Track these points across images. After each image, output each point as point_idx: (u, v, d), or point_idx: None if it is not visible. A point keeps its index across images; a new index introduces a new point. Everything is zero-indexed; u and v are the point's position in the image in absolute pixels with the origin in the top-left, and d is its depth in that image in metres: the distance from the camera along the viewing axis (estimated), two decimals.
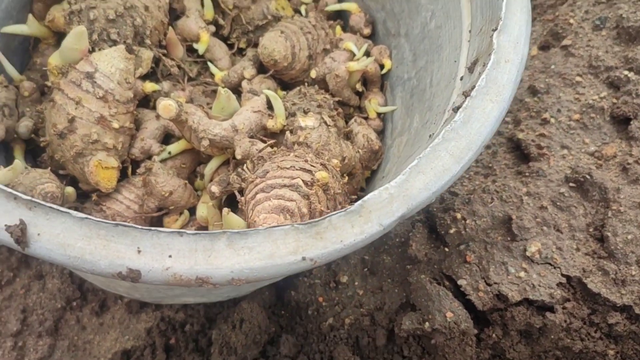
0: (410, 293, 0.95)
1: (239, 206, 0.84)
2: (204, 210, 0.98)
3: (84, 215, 0.53)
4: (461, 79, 0.77)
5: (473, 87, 0.66)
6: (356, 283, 1.05)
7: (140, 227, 0.54)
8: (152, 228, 0.54)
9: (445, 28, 0.89)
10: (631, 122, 1.01)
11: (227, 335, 0.92)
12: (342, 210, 0.58)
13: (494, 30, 0.71)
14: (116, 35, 0.98)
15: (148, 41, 1.03)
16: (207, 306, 1.01)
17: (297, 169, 0.81)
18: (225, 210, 0.85)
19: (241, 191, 0.86)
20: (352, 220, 0.58)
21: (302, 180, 0.79)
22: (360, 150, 1.01)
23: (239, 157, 0.92)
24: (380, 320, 0.97)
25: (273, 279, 0.55)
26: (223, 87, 1.07)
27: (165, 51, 1.08)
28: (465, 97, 0.66)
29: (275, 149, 0.91)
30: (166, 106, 0.90)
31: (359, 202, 0.58)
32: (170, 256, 0.53)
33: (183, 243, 0.54)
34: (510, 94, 0.68)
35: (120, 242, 0.53)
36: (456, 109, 0.66)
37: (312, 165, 0.83)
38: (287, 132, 0.91)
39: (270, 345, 0.99)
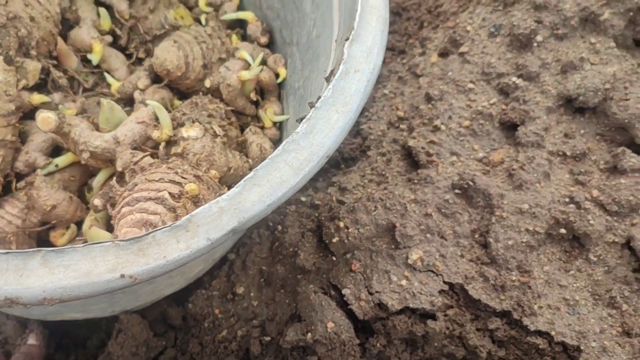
0: (297, 304, 0.95)
1: (110, 222, 0.82)
2: (88, 223, 0.96)
3: None
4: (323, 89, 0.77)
5: (319, 98, 0.66)
6: (252, 294, 1.04)
7: None
8: None
9: (322, 37, 0.89)
10: (519, 128, 1.02)
11: (108, 346, 0.90)
12: (168, 225, 0.57)
13: (346, 40, 0.71)
14: None
15: (34, 52, 1.01)
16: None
17: (165, 182, 0.80)
18: (86, 225, 0.83)
19: (114, 205, 0.85)
20: (177, 235, 0.57)
21: (169, 193, 0.78)
22: (250, 160, 1.00)
23: (119, 169, 0.91)
24: (271, 332, 0.96)
25: (92, 297, 0.54)
26: (112, 100, 1.06)
27: (55, 62, 1.06)
28: (311, 108, 0.66)
29: (156, 160, 0.90)
30: (44, 118, 0.89)
31: (187, 216, 0.58)
32: None
33: None
34: (358, 104, 0.68)
35: None
36: (300, 120, 0.65)
37: (183, 177, 0.82)
38: (162, 144, 0.90)
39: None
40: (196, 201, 0.80)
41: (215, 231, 0.58)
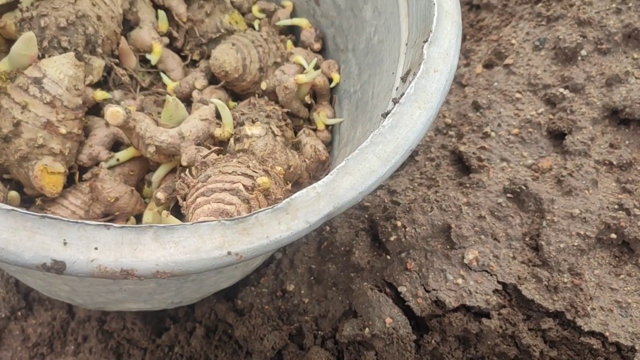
0: (352, 300, 0.97)
1: (181, 211, 0.85)
2: (149, 217, 0.98)
3: (10, 207, 0.54)
4: (397, 89, 0.80)
5: (402, 95, 0.69)
6: (302, 291, 1.06)
7: (67, 219, 0.55)
8: (79, 220, 0.55)
9: (386, 42, 0.93)
10: (566, 137, 1.05)
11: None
12: (270, 207, 0.60)
13: (424, 42, 0.74)
14: (67, 42, 0.99)
15: (99, 50, 1.04)
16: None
17: (238, 174, 0.83)
18: (164, 212, 0.86)
19: (185, 197, 0.88)
20: (279, 217, 0.60)
21: (243, 185, 0.81)
22: (307, 160, 1.03)
23: (184, 163, 0.94)
24: (324, 327, 0.98)
25: (201, 274, 0.56)
26: (163, 100, 1.09)
27: (117, 60, 1.10)
28: (395, 104, 0.69)
29: (220, 155, 0.93)
30: (114, 113, 0.92)
31: (287, 199, 0.60)
32: (96, 248, 0.54)
33: (109, 236, 0.55)
34: (438, 102, 0.71)
35: (47, 234, 0.54)
36: (385, 115, 0.69)
37: (254, 171, 0.84)
38: (232, 139, 0.93)
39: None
40: (267, 194, 0.83)
41: (313, 215, 0.60)
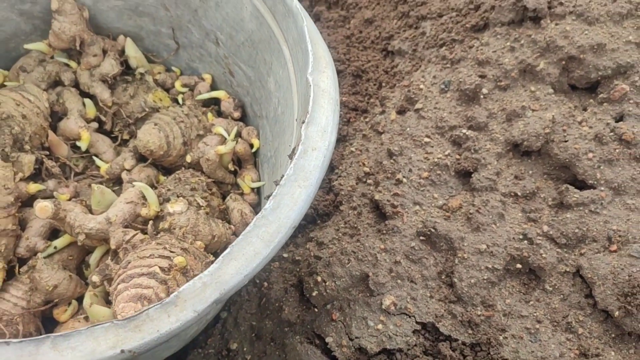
0: (287, 354, 1.03)
1: (110, 297, 0.91)
2: (88, 299, 1.05)
3: None
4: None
5: (282, 176, 0.77)
6: (245, 349, 1.12)
7: None
8: None
9: (286, 114, 1.00)
10: (472, 175, 1.13)
11: None
12: (159, 302, 0.66)
13: (302, 123, 0.81)
14: None
15: (27, 146, 1.11)
16: None
17: (155, 257, 0.89)
18: (87, 303, 0.92)
19: (110, 283, 0.94)
20: (168, 310, 0.66)
21: (160, 267, 0.87)
22: (233, 227, 1.10)
23: (113, 247, 1.00)
24: None
25: None
26: (102, 181, 1.16)
27: (47, 152, 1.17)
28: (276, 185, 0.76)
29: (146, 236, 1.00)
30: (42, 207, 0.99)
31: (175, 293, 0.67)
32: None
33: (10, 351, 0.61)
34: (317, 178, 0.78)
35: None
36: (267, 197, 0.75)
37: (171, 251, 0.91)
38: (150, 222, 1.00)
39: None
40: (185, 272, 0.90)
41: (200, 304, 0.67)
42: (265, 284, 1.18)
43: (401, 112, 1.29)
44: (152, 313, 0.66)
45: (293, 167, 0.77)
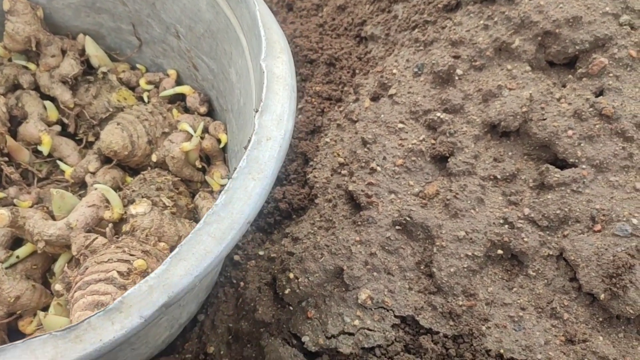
0: (265, 356, 0.99)
1: (68, 305, 0.87)
2: (52, 309, 1.00)
3: None
4: None
5: (235, 169, 0.72)
6: (222, 352, 1.08)
7: None
8: None
9: (247, 105, 0.96)
10: (448, 160, 1.08)
11: None
12: (102, 310, 0.62)
13: (256, 112, 0.77)
14: None
15: None
16: None
17: (114, 261, 0.85)
18: (41, 313, 0.88)
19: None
20: (112, 317, 0.62)
21: (118, 272, 0.83)
22: None
23: (74, 253, 0.96)
24: None
25: None
26: (67, 185, 1.12)
27: (7, 159, 1.12)
28: (229, 179, 0.71)
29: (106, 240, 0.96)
30: None
31: (119, 298, 0.62)
32: None
33: None
34: (273, 170, 0.73)
35: None
36: (219, 192, 0.71)
37: (130, 255, 0.87)
38: (109, 225, 0.95)
39: None
40: (145, 275, 0.85)
41: (147, 309, 0.62)
42: (242, 283, 1.13)
43: (375, 98, 1.24)
44: (94, 321, 0.61)
45: (246, 158, 0.73)
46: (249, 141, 0.79)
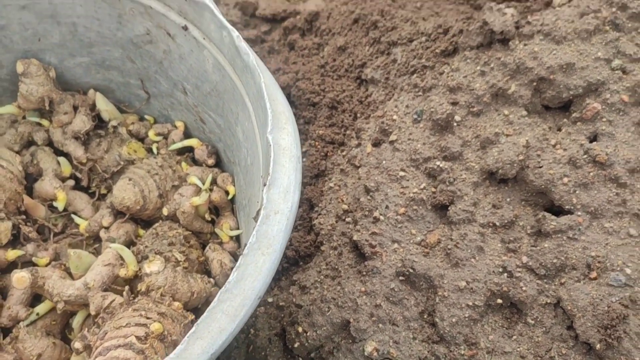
0: None
1: None
2: None
3: None
4: None
5: (245, 245, 0.76)
6: None
7: None
8: None
9: (254, 166, 1.00)
10: (449, 208, 1.12)
11: None
12: None
13: (264, 186, 0.81)
14: None
15: (2, 214, 1.12)
16: None
17: (132, 326, 0.89)
18: None
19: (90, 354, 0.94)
20: None
21: (136, 337, 0.87)
22: (212, 280, 1.10)
23: (92, 312, 1.00)
24: None
25: None
26: (82, 239, 1.16)
27: (24, 216, 1.17)
28: (240, 256, 0.76)
29: (124, 299, 1.00)
30: (19, 278, 0.99)
31: None
32: None
33: None
34: (281, 243, 0.78)
35: None
36: (230, 269, 0.75)
37: (147, 318, 0.91)
38: (126, 289, 0.99)
39: None
40: (162, 338, 0.89)
41: None
42: (252, 330, 1.18)
43: (376, 144, 1.28)
44: None
45: (256, 234, 0.77)
46: (258, 213, 0.83)
